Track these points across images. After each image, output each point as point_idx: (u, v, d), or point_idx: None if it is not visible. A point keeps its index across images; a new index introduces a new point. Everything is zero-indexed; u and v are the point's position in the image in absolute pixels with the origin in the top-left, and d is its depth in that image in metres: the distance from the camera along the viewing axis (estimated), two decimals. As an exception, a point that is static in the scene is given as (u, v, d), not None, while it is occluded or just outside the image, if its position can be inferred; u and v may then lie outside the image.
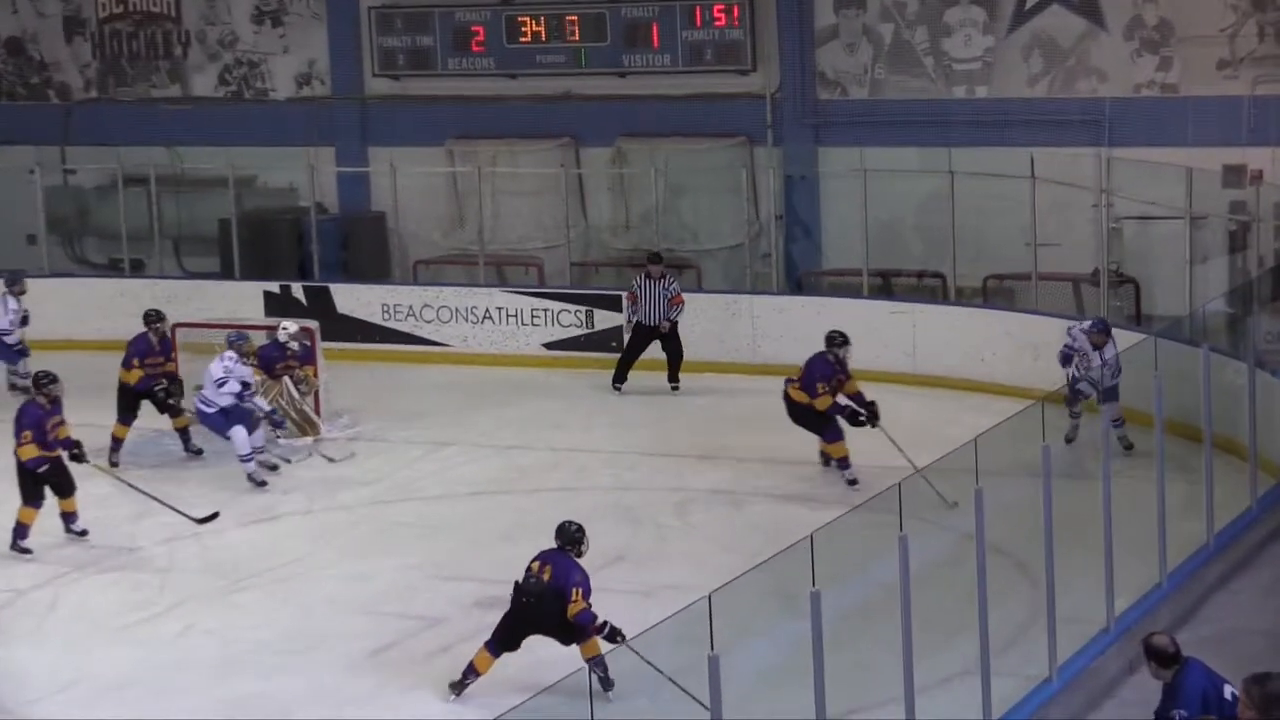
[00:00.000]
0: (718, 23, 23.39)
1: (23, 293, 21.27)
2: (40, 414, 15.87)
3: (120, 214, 25.84)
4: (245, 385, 17.96)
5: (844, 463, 17.19)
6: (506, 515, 16.92)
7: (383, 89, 25.55)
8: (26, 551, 15.86)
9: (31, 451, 15.76)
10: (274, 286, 23.56)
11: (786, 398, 17.47)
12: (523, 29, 24.39)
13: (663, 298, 20.63)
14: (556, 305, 22.54)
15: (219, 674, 13.75)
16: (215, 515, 16.54)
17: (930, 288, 22.49)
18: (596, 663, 12.59)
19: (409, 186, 24.97)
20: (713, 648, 9.57)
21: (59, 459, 15.97)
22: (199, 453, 18.82)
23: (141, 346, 18.73)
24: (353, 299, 23.49)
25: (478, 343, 22.74)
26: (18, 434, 15.84)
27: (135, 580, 15.81)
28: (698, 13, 23.44)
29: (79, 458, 16.14)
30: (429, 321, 23.13)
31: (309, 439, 19.22)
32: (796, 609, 10.97)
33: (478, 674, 12.96)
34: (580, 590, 12.59)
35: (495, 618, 13.34)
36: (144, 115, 26.68)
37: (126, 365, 18.66)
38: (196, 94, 26.87)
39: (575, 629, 12.72)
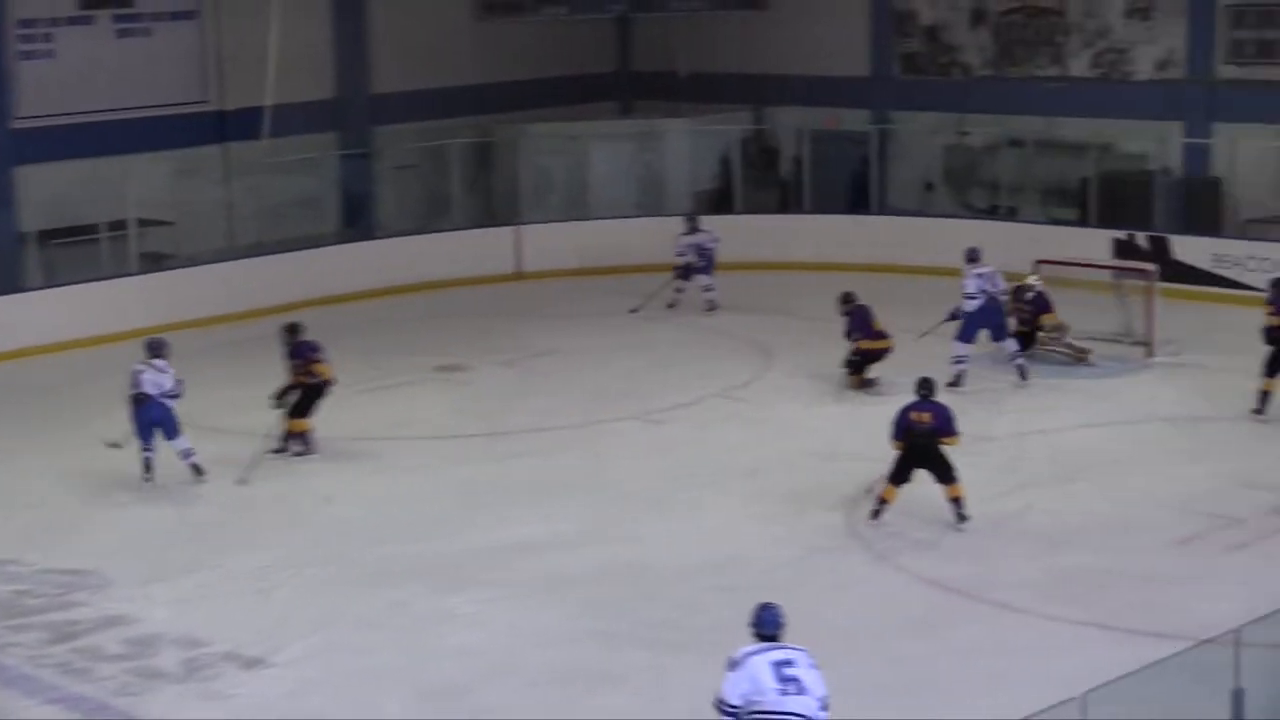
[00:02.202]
0: None
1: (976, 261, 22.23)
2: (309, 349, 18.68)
3: (999, 170, 29.24)
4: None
5: None
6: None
7: (1231, 74, 27.28)
8: None
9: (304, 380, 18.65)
10: (1121, 234, 25.96)
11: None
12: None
13: None
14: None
15: (1050, 546, 15.56)
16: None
17: None
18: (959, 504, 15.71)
19: (1245, 158, 26.68)
20: None
21: (311, 386, 18.70)
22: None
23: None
24: (1187, 248, 25.55)
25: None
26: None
27: (987, 464, 17.63)
28: None
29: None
30: (1252, 271, 24.68)
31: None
32: None
33: (886, 503, 15.91)
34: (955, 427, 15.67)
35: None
36: (1026, 90, 29.25)
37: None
38: (1072, 74, 29.12)
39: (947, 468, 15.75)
